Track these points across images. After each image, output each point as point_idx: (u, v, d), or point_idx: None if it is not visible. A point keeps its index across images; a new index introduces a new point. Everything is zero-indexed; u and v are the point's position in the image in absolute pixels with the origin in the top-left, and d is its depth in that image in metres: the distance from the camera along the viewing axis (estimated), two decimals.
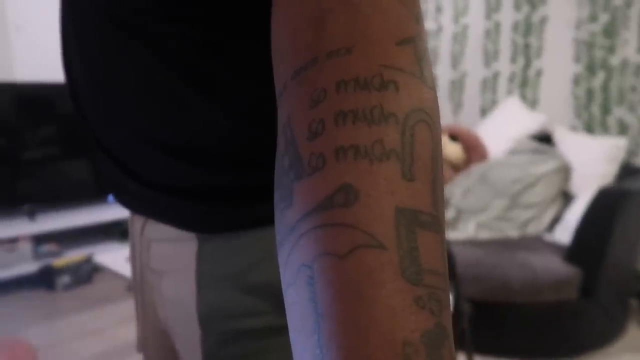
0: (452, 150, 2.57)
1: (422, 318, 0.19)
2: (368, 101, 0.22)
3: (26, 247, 2.75)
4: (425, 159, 0.22)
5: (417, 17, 0.25)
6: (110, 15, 0.39)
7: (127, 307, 2.44)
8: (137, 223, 0.51)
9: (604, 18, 2.50)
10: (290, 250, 0.22)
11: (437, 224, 0.22)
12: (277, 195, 0.24)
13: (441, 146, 0.24)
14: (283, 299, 0.40)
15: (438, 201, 0.22)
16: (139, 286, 0.54)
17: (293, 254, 0.22)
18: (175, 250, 0.45)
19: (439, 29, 3.23)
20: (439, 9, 3.22)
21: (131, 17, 0.38)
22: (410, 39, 0.24)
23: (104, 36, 0.41)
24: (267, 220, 0.41)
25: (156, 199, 0.44)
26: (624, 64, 2.45)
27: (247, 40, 0.37)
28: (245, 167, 0.41)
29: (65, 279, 2.72)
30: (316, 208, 0.21)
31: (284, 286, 0.23)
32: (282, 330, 0.41)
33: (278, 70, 0.27)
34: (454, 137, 2.62)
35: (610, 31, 2.48)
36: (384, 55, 0.23)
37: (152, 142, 0.42)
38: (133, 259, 0.54)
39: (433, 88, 0.25)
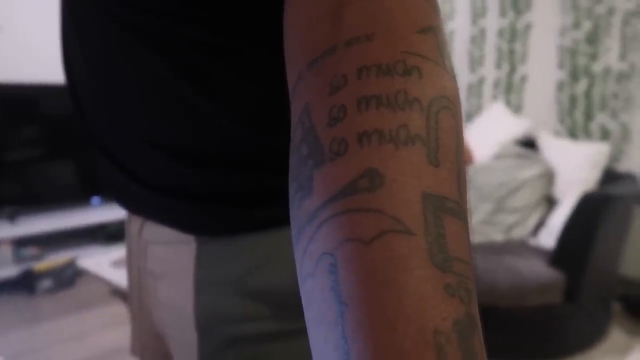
0: None
1: (453, 306, 0.18)
2: (392, 86, 0.22)
3: (6, 251, 2.69)
4: (449, 146, 0.22)
5: (435, 9, 0.25)
6: (114, 15, 0.39)
7: (111, 312, 2.41)
8: (135, 224, 0.50)
9: (587, 25, 2.53)
10: (309, 239, 0.21)
11: (462, 212, 0.21)
12: (293, 187, 0.23)
13: (463, 135, 0.24)
14: (281, 305, 0.40)
15: (462, 189, 0.22)
16: (135, 289, 0.53)
17: (313, 242, 0.21)
18: (173, 252, 0.45)
19: None
20: None
21: (134, 17, 0.38)
22: (431, 28, 0.24)
23: (106, 36, 0.40)
24: (267, 223, 0.41)
25: (155, 200, 0.43)
26: (607, 71, 2.49)
27: (253, 44, 0.36)
28: (247, 170, 0.40)
29: (46, 283, 2.68)
30: (339, 194, 0.20)
31: (300, 278, 0.22)
32: (280, 335, 0.41)
33: (292, 63, 0.26)
34: None
35: (593, 39, 2.52)
36: (406, 42, 0.23)
37: (153, 143, 0.41)
38: (129, 261, 0.54)
39: (454, 77, 0.25)
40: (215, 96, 0.38)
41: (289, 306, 0.39)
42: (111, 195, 0.50)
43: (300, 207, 0.22)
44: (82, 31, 0.43)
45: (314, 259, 0.21)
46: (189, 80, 0.38)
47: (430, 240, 0.19)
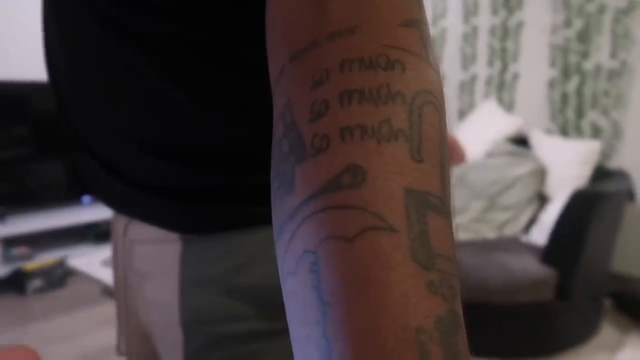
0: None
1: (435, 304, 0.18)
2: (374, 80, 0.21)
3: None
4: (433, 140, 0.21)
5: (419, 3, 0.25)
6: (94, 9, 0.38)
7: (101, 312, 2.39)
8: (120, 224, 0.50)
9: (578, 24, 2.55)
10: (291, 236, 0.21)
11: (445, 208, 0.21)
12: (275, 184, 0.23)
13: (447, 130, 0.23)
14: (267, 303, 0.40)
15: (446, 184, 0.22)
16: (121, 288, 0.53)
17: (295, 240, 0.21)
18: (158, 251, 0.44)
19: None
20: None
21: (115, 12, 0.37)
22: (415, 22, 0.24)
23: (87, 33, 0.39)
24: (252, 221, 0.40)
25: (140, 199, 0.43)
26: (597, 68, 2.51)
27: (237, 40, 0.36)
28: (231, 168, 0.40)
29: (36, 283, 2.65)
30: (321, 190, 0.20)
31: (282, 276, 0.22)
32: (265, 334, 0.41)
33: (274, 55, 0.26)
34: None
35: (584, 37, 2.54)
36: (389, 36, 0.23)
37: (137, 142, 0.41)
38: (115, 260, 0.53)
39: (438, 71, 0.24)
40: (200, 94, 0.38)
41: (274, 305, 0.39)
42: (96, 194, 0.49)
43: (282, 204, 0.22)
44: (63, 26, 0.42)
45: (295, 257, 0.20)
46: (172, 78, 0.37)
47: (413, 237, 0.19)
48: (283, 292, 0.22)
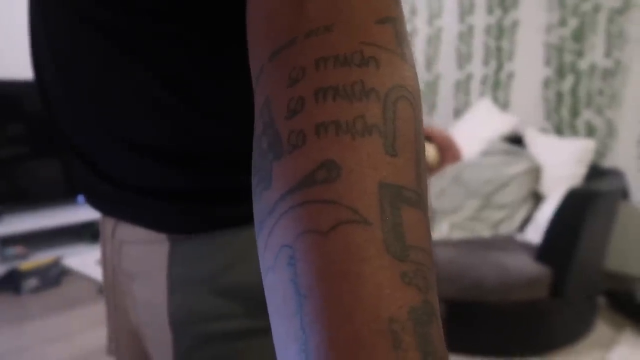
0: (426, 151, 2.59)
1: (409, 294, 0.19)
2: (349, 77, 0.22)
3: None
4: (407, 135, 0.22)
5: (395, 0, 0.25)
6: (83, 13, 0.38)
7: (97, 311, 2.39)
8: (109, 225, 0.50)
9: (572, 23, 2.56)
10: (269, 232, 0.21)
11: (420, 201, 0.21)
12: (255, 180, 0.24)
13: (422, 125, 0.24)
14: (254, 302, 0.40)
15: (421, 178, 0.22)
16: (110, 289, 0.53)
17: (273, 235, 0.21)
18: (146, 252, 0.44)
19: (414, 31, 3.26)
20: (413, 12, 3.25)
21: (105, 15, 0.37)
22: (390, 19, 0.24)
23: (75, 35, 0.39)
24: (240, 221, 0.40)
25: (128, 200, 0.43)
26: (592, 68, 2.52)
27: (221, 40, 0.36)
28: (218, 168, 0.40)
29: (32, 283, 2.65)
30: (297, 186, 0.21)
31: (263, 271, 0.22)
32: (253, 333, 0.41)
33: (254, 55, 0.26)
34: (427, 138, 2.64)
35: (578, 36, 2.54)
36: (364, 33, 0.23)
37: (124, 143, 0.41)
38: (104, 261, 0.53)
39: (413, 67, 0.25)
40: (189, 95, 0.38)
41: (261, 303, 0.39)
42: (84, 195, 0.49)
43: (261, 200, 0.22)
44: (50, 29, 0.42)
45: (274, 252, 0.21)
46: (161, 80, 0.37)
47: (387, 229, 0.19)
48: (264, 287, 0.22)
